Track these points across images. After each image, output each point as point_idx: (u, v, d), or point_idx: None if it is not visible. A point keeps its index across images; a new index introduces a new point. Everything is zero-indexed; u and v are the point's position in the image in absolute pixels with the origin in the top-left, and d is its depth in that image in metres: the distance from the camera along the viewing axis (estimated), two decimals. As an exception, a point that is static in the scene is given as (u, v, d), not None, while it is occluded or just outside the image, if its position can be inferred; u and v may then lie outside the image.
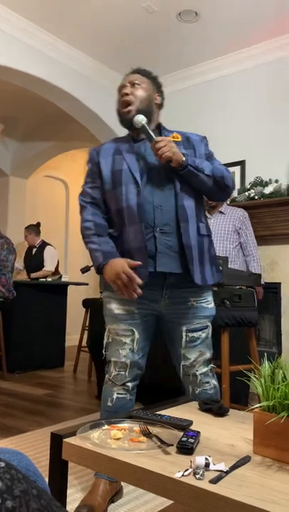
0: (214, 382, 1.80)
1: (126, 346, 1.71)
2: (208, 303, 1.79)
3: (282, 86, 3.83)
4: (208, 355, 1.78)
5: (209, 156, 1.85)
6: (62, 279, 4.87)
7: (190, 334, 1.74)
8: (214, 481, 0.86)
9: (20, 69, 3.81)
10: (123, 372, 1.71)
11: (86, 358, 4.58)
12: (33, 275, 5.08)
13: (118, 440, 1.08)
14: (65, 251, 6.64)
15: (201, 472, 0.89)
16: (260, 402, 1.04)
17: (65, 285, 4.84)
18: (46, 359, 4.58)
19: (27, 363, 4.40)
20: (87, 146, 5.90)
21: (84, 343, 4.25)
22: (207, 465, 0.92)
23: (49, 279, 4.82)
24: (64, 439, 1.08)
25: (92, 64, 4.35)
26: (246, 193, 3.70)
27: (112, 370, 1.73)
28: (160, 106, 1.88)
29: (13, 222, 6.11)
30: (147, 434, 1.11)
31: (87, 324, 4.28)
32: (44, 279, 4.79)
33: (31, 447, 2.31)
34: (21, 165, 6.12)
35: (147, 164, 1.75)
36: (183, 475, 0.89)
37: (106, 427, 1.16)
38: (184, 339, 1.74)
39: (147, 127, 1.69)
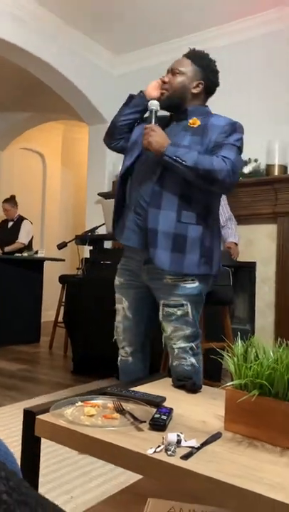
0: (193, 360, 1.84)
1: (119, 313, 1.95)
2: (186, 282, 1.80)
3: (264, 62, 3.80)
4: (186, 332, 1.82)
5: (219, 145, 1.75)
6: (39, 255, 4.82)
7: (166, 309, 1.83)
8: (185, 457, 0.88)
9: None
10: (120, 337, 1.96)
11: (62, 334, 4.57)
12: (7, 249, 4.98)
13: (91, 417, 1.08)
14: (41, 225, 6.54)
15: (172, 449, 0.90)
16: (232, 380, 1.06)
17: (41, 260, 4.79)
18: (22, 334, 4.56)
19: (2, 337, 4.36)
20: (64, 118, 5.77)
21: (60, 319, 4.24)
22: (179, 442, 0.94)
23: (25, 255, 4.76)
24: (37, 416, 1.07)
25: (69, 32, 4.20)
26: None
27: (114, 333, 1.99)
28: (204, 92, 1.93)
29: (-13, 195, 5.96)
30: (121, 411, 1.12)
31: (63, 300, 4.26)
32: (20, 255, 4.72)
33: (5, 423, 2.32)
34: (-3, 136, 5.95)
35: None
36: (155, 451, 0.90)
37: (80, 403, 1.17)
38: (160, 312, 1.85)
39: (153, 114, 1.81)
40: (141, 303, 1.93)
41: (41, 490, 1.53)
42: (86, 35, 4.28)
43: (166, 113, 1.94)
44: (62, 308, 4.27)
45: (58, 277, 4.58)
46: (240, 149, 1.79)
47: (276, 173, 3.56)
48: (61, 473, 1.76)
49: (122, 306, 1.94)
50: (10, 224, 5.26)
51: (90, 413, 1.09)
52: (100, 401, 1.19)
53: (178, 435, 0.95)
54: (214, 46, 4.07)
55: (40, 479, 1.12)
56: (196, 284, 1.82)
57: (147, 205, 1.77)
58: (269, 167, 3.59)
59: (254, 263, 3.72)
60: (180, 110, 1.88)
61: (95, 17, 3.96)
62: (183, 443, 0.94)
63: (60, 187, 6.88)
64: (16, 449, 1.91)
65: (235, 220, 3.43)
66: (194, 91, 1.89)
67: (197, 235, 1.78)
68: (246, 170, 3.60)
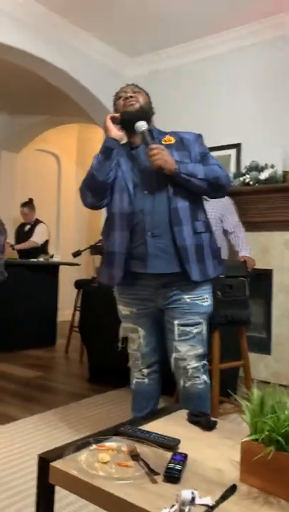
0: (205, 378, 1.87)
1: (135, 341, 1.96)
2: (202, 300, 1.84)
3: (281, 66, 3.71)
4: (200, 350, 1.85)
5: (204, 155, 1.88)
6: (54, 259, 4.84)
7: (181, 328, 1.83)
8: (200, 520, 0.87)
9: (9, 43, 3.65)
10: (137, 362, 1.99)
11: (78, 337, 4.59)
12: (18, 247, 4.99)
13: (105, 464, 1.08)
14: (56, 227, 6.56)
15: (186, 509, 0.89)
16: (248, 391, 1.06)
17: (56, 265, 4.81)
18: (38, 338, 4.60)
19: (19, 341, 4.41)
20: (79, 121, 5.75)
21: (76, 323, 4.25)
22: (193, 499, 0.93)
23: (41, 259, 4.78)
24: (51, 463, 1.07)
25: (81, 36, 4.16)
26: (241, 178, 3.63)
27: (130, 359, 2.01)
28: (153, 114, 1.95)
29: (3, 197, 6.00)
30: (135, 456, 1.12)
31: (79, 304, 4.28)
32: (36, 260, 4.74)
33: (22, 436, 2.34)
34: (12, 139, 5.96)
35: (142, 170, 1.83)
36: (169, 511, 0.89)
37: (94, 446, 1.16)
38: (175, 332, 1.84)
39: (147, 133, 1.79)
40: (155, 328, 1.93)
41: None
42: (98, 38, 4.23)
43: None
44: (77, 312, 4.29)
45: (73, 278, 4.60)
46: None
47: (293, 180, 3.49)
48: None
49: (138, 335, 1.94)
50: (27, 227, 5.29)
51: (104, 460, 1.09)
52: (113, 443, 1.19)
53: (192, 492, 0.93)
54: (222, 52, 4.03)
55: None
56: (209, 301, 1.88)
57: (168, 225, 1.77)
58: (286, 173, 3.52)
59: (270, 270, 3.67)
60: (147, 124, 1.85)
61: (108, 20, 3.91)
62: (197, 500, 0.93)
63: (75, 188, 6.86)
64: (30, 469, 1.92)
65: (246, 227, 3.41)
66: (152, 113, 1.95)
67: (207, 240, 1.86)
68: (262, 176, 3.54)
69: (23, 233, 5.28)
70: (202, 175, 1.77)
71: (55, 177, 6.73)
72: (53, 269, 4.80)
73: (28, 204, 5.27)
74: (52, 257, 4.92)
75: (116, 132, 1.85)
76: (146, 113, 1.87)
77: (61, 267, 4.95)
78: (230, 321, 2.27)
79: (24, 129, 5.87)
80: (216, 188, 1.84)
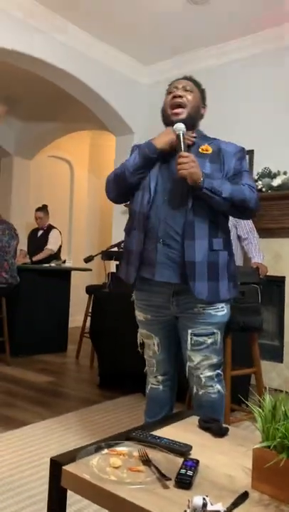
0: (219, 387, 1.84)
1: (151, 348, 1.94)
2: (217, 310, 1.80)
3: (293, 73, 3.71)
4: (214, 360, 1.82)
5: (238, 173, 1.79)
6: (66, 264, 4.87)
7: (195, 338, 1.80)
8: (211, 526, 0.87)
9: (23, 51, 3.71)
10: (152, 368, 1.97)
11: (89, 342, 4.61)
12: (36, 258, 5.04)
13: (117, 469, 1.08)
14: (68, 233, 6.60)
15: (198, 516, 0.89)
16: (260, 398, 1.05)
17: (68, 271, 4.84)
18: (49, 343, 4.62)
19: (31, 346, 4.43)
20: (92, 128, 5.80)
21: (87, 329, 4.27)
22: (204, 505, 0.92)
23: (53, 264, 4.82)
24: (63, 467, 1.08)
25: (96, 44, 4.21)
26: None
27: (146, 364, 1.99)
28: (202, 116, 1.92)
29: (17, 203, 6.08)
30: (146, 461, 1.12)
31: (90, 310, 4.29)
32: (48, 265, 4.78)
33: (33, 441, 2.35)
34: (25, 145, 6.04)
35: (169, 175, 1.78)
36: (180, 517, 0.89)
37: (106, 451, 1.17)
38: (188, 342, 1.81)
39: (182, 138, 1.72)
40: (170, 335, 1.91)
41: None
42: (113, 45, 4.28)
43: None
44: (88, 317, 4.31)
45: (84, 284, 4.63)
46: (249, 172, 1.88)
47: (306, 186, 3.48)
48: None
49: (153, 342, 1.92)
50: (40, 233, 5.34)
51: (116, 464, 1.09)
52: (125, 448, 1.19)
53: (204, 498, 0.93)
54: (238, 58, 4.04)
55: (66, 527, 1.13)
56: (225, 311, 1.82)
57: (180, 236, 1.72)
58: (299, 180, 3.51)
59: (283, 277, 3.65)
60: (191, 130, 1.82)
61: (122, 27, 3.95)
62: (209, 507, 0.92)
63: (88, 194, 6.93)
64: (42, 473, 1.93)
65: (259, 233, 3.39)
66: (202, 112, 1.90)
67: (225, 260, 1.79)
68: (275, 183, 3.54)
69: (36, 239, 5.33)
70: (227, 194, 1.69)
71: (67, 183, 6.79)
72: (64, 274, 4.83)
73: (43, 209, 5.33)
74: (64, 262, 4.95)
75: (165, 145, 1.76)
76: (192, 121, 1.81)
77: (73, 273, 4.98)
78: (242, 327, 2.25)
79: (37, 135, 5.94)
80: (241, 210, 1.77)
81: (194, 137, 1.82)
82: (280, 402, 1.05)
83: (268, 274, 3.36)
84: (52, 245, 5.20)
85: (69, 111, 5.42)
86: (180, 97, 1.80)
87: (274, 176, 3.61)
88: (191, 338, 1.80)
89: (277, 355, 3.65)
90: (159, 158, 1.80)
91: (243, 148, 1.87)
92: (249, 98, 3.95)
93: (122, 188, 1.86)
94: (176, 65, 4.42)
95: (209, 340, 1.79)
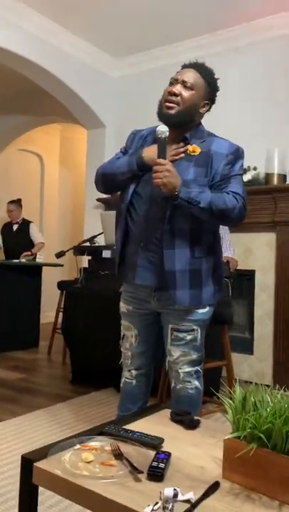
0: (197, 383, 1.85)
1: (128, 340, 1.92)
2: (198, 308, 1.79)
3: (265, 71, 3.76)
4: (193, 356, 1.82)
5: (225, 178, 1.69)
6: (37, 260, 4.81)
7: (175, 333, 1.81)
8: (183, 516, 0.88)
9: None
10: (127, 361, 1.95)
11: (61, 338, 4.57)
12: (35, 250, 5.00)
13: (89, 463, 1.08)
14: (40, 228, 6.48)
15: (170, 506, 0.90)
16: (230, 390, 1.09)
17: (39, 266, 4.78)
18: (21, 339, 4.56)
19: (1, 343, 4.36)
20: (63, 121, 5.72)
21: (59, 325, 4.23)
22: (176, 495, 0.93)
23: (23, 260, 4.74)
24: (34, 464, 1.07)
25: (66, 37, 4.15)
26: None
27: (122, 357, 1.97)
28: (204, 112, 1.81)
29: (-15, 197, 5.94)
30: (118, 455, 1.12)
31: (62, 305, 4.25)
32: (18, 261, 4.70)
33: (5, 439, 2.32)
34: (-6, 138, 5.90)
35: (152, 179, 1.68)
36: (153, 509, 0.90)
37: (78, 446, 1.16)
38: (169, 336, 1.83)
39: (163, 143, 1.61)
40: (149, 329, 1.90)
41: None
42: (83, 38, 4.23)
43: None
44: (60, 313, 4.27)
45: (56, 279, 4.58)
46: (242, 175, 1.79)
47: (275, 182, 3.54)
48: None
49: (131, 333, 1.91)
50: (15, 227, 5.25)
51: (88, 459, 1.09)
52: (97, 443, 1.18)
53: (174, 489, 0.94)
54: (212, 52, 4.05)
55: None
56: (207, 308, 1.82)
57: (159, 242, 1.70)
58: (268, 176, 3.57)
59: (253, 271, 3.71)
60: (180, 129, 1.73)
61: (93, 20, 3.91)
62: (180, 497, 0.94)
63: (59, 188, 6.84)
64: (13, 471, 1.91)
65: (229, 228, 3.42)
66: (201, 111, 1.78)
67: (209, 265, 1.78)
68: (245, 178, 3.57)
69: (12, 233, 5.24)
70: (205, 204, 1.61)
71: (38, 177, 6.68)
72: (35, 270, 4.77)
73: (16, 202, 5.26)
74: (35, 258, 4.88)
75: (153, 162, 1.64)
76: (182, 119, 1.71)
77: (44, 268, 4.92)
78: (212, 321, 2.28)
79: (6, 129, 5.82)
80: (222, 219, 1.69)
81: (185, 146, 1.73)
82: (250, 394, 1.07)
83: (238, 268, 3.41)
84: (40, 238, 5.21)
85: (39, 104, 5.33)
86: (175, 94, 1.70)
87: (244, 171, 3.65)
88: (171, 333, 1.81)
89: (247, 348, 3.71)
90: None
91: (238, 149, 1.76)
92: (220, 93, 3.97)
93: (110, 187, 1.89)
94: (147, 59, 4.41)
95: (189, 337, 1.79)
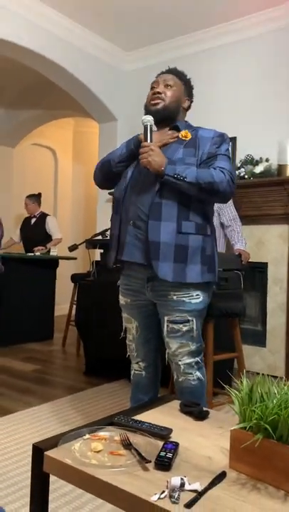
0: (198, 374, 1.87)
1: (130, 332, 1.98)
2: (191, 297, 1.81)
3: (276, 60, 3.71)
4: (192, 347, 1.84)
5: (212, 156, 1.79)
6: (51, 253, 4.85)
7: (170, 325, 1.83)
8: (188, 505, 0.89)
9: (5, 38, 3.63)
10: (133, 353, 2.00)
11: (75, 330, 4.62)
12: (49, 245, 5.03)
13: (98, 453, 1.10)
14: (53, 221, 6.56)
15: (176, 495, 0.92)
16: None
17: (54, 259, 4.83)
18: (35, 332, 4.63)
19: (17, 335, 4.44)
20: (75, 115, 5.74)
21: (73, 317, 4.28)
22: (182, 485, 0.95)
23: (38, 254, 4.80)
24: (45, 452, 1.10)
25: (78, 31, 4.15)
26: (236, 172, 3.65)
27: (128, 350, 2.02)
28: (188, 108, 1.97)
29: (0, 192, 6.00)
30: (127, 445, 1.14)
31: (76, 298, 4.30)
32: (32, 254, 4.75)
33: (19, 429, 2.37)
34: (7, 133, 5.95)
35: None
36: (159, 497, 0.92)
37: (87, 436, 1.19)
38: (165, 328, 1.85)
39: (148, 130, 1.77)
40: (149, 320, 1.93)
41: None
42: (95, 32, 4.23)
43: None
44: (74, 306, 4.32)
45: (70, 273, 4.63)
46: (230, 159, 1.85)
47: (288, 173, 3.50)
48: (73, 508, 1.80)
49: (132, 325, 1.96)
50: (33, 221, 5.30)
51: (97, 449, 1.11)
52: (107, 433, 1.21)
53: (181, 479, 0.96)
54: (224, 43, 4.02)
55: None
56: (201, 298, 1.83)
57: (147, 217, 1.75)
58: (281, 167, 3.54)
59: (265, 263, 3.70)
60: (171, 124, 1.89)
61: (103, 14, 3.90)
62: (187, 486, 0.95)
63: (72, 182, 6.88)
64: (27, 460, 1.95)
65: (241, 220, 3.42)
66: (184, 105, 1.95)
67: (198, 244, 1.79)
68: (257, 170, 3.56)
69: (30, 226, 5.28)
70: (192, 178, 1.70)
71: (51, 171, 6.73)
72: (50, 263, 4.82)
73: (32, 196, 5.29)
74: (49, 252, 4.93)
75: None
76: (169, 112, 1.87)
77: (59, 266, 4.97)
78: (224, 313, 2.29)
79: (20, 123, 5.86)
80: (210, 193, 1.74)
81: (177, 133, 1.86)
82: (257, 385, 1.08)
83: (251, 260, 3.40)
84: (58, 234, 5.20)
85: (52, 98, 5.36)
86: (159, 93, 1.86)
87: (256, 163, 3.64)
88: (167, 325, 1.83)
89: (260, 340, 3.71)
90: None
91: (224, 134, 1.86)
92: (232, 85, 3.95)
93: (106, 175, 1.94)
94: (158, 52, 4.39)
95: (184, 328, 1.81)
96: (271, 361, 3.64)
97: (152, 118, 1.79)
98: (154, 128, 1.85)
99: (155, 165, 1.70)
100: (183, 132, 1.84)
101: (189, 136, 1.84)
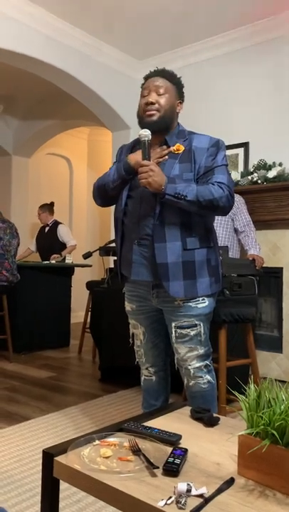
0: (209, 377, 1.88)
1: (138, 337, 2.00)
2: (197, 302, 1.82)
3: (287, 64, 3.70)
4: (200, 351, 1.85)
5: (209, 169, 1.76)
6: (66, 261, 4.90)
7: (178, 330, 1.84)
8: (194, 510, 0.89)
9: (19, 51, 3.72)
10: (141, 359, 2.02)
11: (91, 337, 4.65)
12: (64, 252, 5.10)
13: (107, 459, 1.11)
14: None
15: (183, 501, 0.92)
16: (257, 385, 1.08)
17: (70, 267, 4.88)
18: (52, 339, 4.67)
19: (33, 343, 4.48)
20: (90, 125, 5.81)
21: (88, 324, 4.30)
22: (189, 490, 0.95)
23: (53, 261, 4.85)
24: (55, 458, 1.11)
25: (89, 41, 4.21)
26: (249, 177, 3.64)
27: (136, 356, 2.04)
28: (180, 111, 1.90)
29: (16, 202, 6.10)
30: (136, 451, 1.15)
31: (91, 306, 4.32)
32: (48, 262, 4.81)
33: (34, 435, 2.39)
34: (23, 144, 6.05)
35: None
36: (166, 503, 0.92)
37: (97, 442, 1.20)
38: (173, 334, 1.86)
39: (146, 146, 1.71)
40: (156, 325, 1.95)
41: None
42: (107, 42, 4.28)
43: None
44: (90, 313, 4.34)
45: (86, 280, 4.66)
46: (227, 166, 1.82)
47: (302, 177, 3.48)
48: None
49: (139, 331, 1.98)
50: (46, 229, 5.38)
51: (106, 455, 1.12)
52: (116, 439, 1.22)
53: (188, 484, 0.96)
54: (238, 48, 4.02)
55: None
56: (207, 303, 1.84)
57: (151, 237, 1.75)
58: (294, 171, 3.52)
59: (281, 268, 3.66)
60: (165, 133, 1.82)
61: (116, 23, 3.95)
62: (193, 491, 0.96)
63: (87, 191, 6.95)
64: (40, 467, 1.96)
65: (255, 225, 3.41)
66: (177, 110, 1.88)
67: (203, 257, 1.80)
68: (271, 174, 3.54)
69: (44, 234, 5.37)
70: (192, 197, 1.68)
71: (67, 180, 6.81)
72: (66, 270, 4.87)
73: (44, 206, 5.37)
74: (64, 259, 4.98)
75: (138, 164, 1.72)
76: (165, 122, 1.80)
77: (75, 273, 5.02)
78: (236, 319, 2.28)
79: (35, 133, 5.96)
80: (210, 209, 1.73)
81: (168, 149, 1.80)
82: (264, 391, 1.07)
83: (266, 265, 3.38)
84: (71, 242, 5.27)
85: (66, 108, 5.43)
86: (152, 103, 1.79)
87: (269, 167, 3.62)
88: (175, 331, 1.84)
89: (276, 346, 3.67)
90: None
91: (218, 141, 1.82)
92: (244, 90, 3.95)
93: (104, 198, 1.95)
94: (170, 60, 4.42)
95: (192, 332, 1.82)
96: (288, 367, 3.59)
97: (150, 132, 1.72)
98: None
99: (155, 185, 1.67)
100: (175, 146, 1.79)
101: (182, 148, 1.78)
